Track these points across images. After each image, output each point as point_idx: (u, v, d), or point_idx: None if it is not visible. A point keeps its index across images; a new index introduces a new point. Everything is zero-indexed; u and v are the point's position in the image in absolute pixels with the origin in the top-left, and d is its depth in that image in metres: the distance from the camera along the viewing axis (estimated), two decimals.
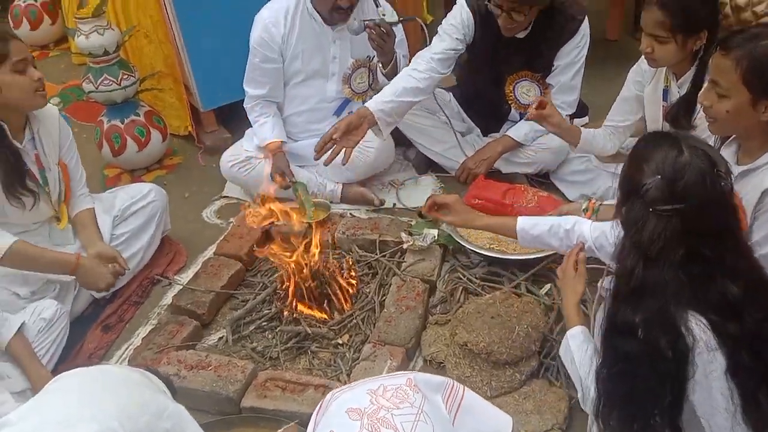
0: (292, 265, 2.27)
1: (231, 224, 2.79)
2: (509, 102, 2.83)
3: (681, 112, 2.16)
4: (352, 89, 2.86)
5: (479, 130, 3.00)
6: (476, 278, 2.32)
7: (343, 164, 2.51)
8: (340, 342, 2.16)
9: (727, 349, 1.26)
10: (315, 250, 2.28)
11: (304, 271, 2.24)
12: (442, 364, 2.06)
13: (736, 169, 1.77)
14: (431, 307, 2.27)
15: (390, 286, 2.30)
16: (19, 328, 1.97)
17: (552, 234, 1.90)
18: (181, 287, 2.40)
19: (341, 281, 2.30)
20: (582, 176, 2.70)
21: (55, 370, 2.05)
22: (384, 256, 2.45)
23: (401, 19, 2.72)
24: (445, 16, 4.15)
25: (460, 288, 2.30)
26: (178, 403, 1.21)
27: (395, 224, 2.58)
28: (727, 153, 1.82)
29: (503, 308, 2.09)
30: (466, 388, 1.12)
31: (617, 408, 1.34)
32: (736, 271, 1.31)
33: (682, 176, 1.28)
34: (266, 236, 2.64)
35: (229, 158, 2.90)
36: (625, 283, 1.32)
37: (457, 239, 2.40)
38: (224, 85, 3.18)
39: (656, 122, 2.38)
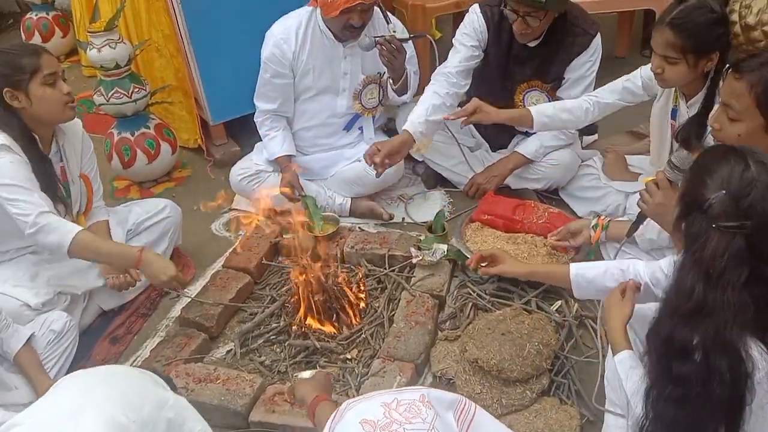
0: (301, 279, 2.27)
1: (240, 237, 2.79)
2: None
3: (692, 133, 2.14)
4: (362, 105, 2.87)
5: (488, 146, 3.01)
6: (486, 294, 2.31)
7: (377, 177, 2.66)
8: (349, 357, 2.15)
9: None
10: (324, 264, 2.28)
11: (313, 284, 2.23)
12: (451, 381, 2.04)
13: None
14: (440, 322, 2.25)
15: (399, 301, 2.29)
16: (28, 339, 1.97)
17: (608, 276, 1.82)
18: (190, 300, 2.39)
19: (350, 295, 2.29)
20: (592, 192, 2.69)
21: None
22: (393, 270, 2.44)
23: (412, 35, 2.74)
24: (454, 33, 4.19)
25: (470, 304, 2.29)
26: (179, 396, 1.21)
27: (404, 239, 2.57)
28: None
29: (514, 325, 2.07)
30: (477, 406, 1.11)
31: (664, 431, 1.29)
32: None
33: (749, 192, 1.22)
34: (275, 249, 2.65)
35: (238, 171, 2.91)
36: (684, 302, 1.25)
37: (467, 255, 2.39)
38: (234, 98, 3.20)
39: (663, 138, 2.38)
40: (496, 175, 2.82)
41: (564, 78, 2.71)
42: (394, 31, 2.68)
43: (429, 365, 2.12)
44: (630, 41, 4.16)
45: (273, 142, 2.85)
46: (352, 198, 2.89)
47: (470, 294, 2.32)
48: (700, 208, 1.25)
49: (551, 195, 2.86)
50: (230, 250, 2.70)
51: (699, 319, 1.23)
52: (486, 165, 2.91)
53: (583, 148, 2.99)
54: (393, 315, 2.24)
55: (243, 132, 3.34)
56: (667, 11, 2.05)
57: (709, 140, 2.04)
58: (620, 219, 2.36)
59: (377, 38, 2.62)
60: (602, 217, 2.22)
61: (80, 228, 2.08)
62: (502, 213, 2.54)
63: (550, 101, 2.70)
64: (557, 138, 2.76)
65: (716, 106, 1.79)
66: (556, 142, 2.76)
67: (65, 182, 2.25)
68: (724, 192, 1.23)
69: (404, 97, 2.91)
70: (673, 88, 2.24)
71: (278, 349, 2.20)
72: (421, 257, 2.39)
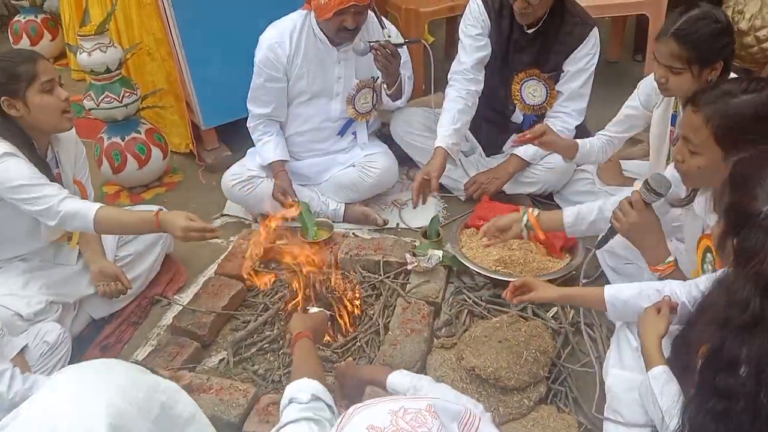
0: (295, 286, 2.25)
1: (232, 243, 2.76)
2: (515, 101, 2.84)
3: None
4: (356, 109, 2.85)
5: (482, 150, 2.99)
6: (482, 300, 2.29)
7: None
8: None
9: None
10: (318, 270, 2.26)
11: (307, 292, 2.21)
12: None
13: (715, 219, 1.76)
14: (436, 329, 2.23)
15: (394, 308, 2.27)
16: (21, 350, 1.93)
17: (643, 297, 1.75)
18: (181, 307, 2.36)
19: (345, 302, 2.26)
20: (586, 197, 2.68)
21: None
22: (388, 277, 2.41)
23: (407, 41, 2.73)
24: (447, 38, 4.19)
25: (466, 311, 2.27)
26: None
27: (399, 245, 2.55)
28: (702, 200, 1.80)
29: (510, 332, 2.06)
30: (482, 418, 1.09)
31: None
32: None
33: None
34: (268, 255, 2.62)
35: (231, 177, 2.87)
36: (738, 315, 1.20)
37: (462, 261, 2.37)
38: (226, 102, 3.18)
39: (662, 145, 2.37)
40: (498, 177, 2.82)
41: (563, 71, 2.72)
42: (389, 37, 2.67)
43: (425, 373, 2.09)
44: (623, 46, 4.16)
45: (266, 147, 2.82)
46: (345, 203, 2.87)
47: (466, 301, 2.31)
48: (755, 221, 1.20)
49: (546, 200, 2.86)
50: (222, 256, 2.67)
51: (755, 332, 1.19)
52: (481, 170, 2.89)
53: None
54: (388, 322, 2.22)
55: (235, 137, 3.31)
56: (670, 21, 2.03)
57: None
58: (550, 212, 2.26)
59: (372, 43, 2.60)
60: (531, 212, 2.13)
61: (98, 206, 2.05)
62: None
63: (547, 91, 2.73)
64: None
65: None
66: None
67: None
68: None
69: (398, 102, 2.89)
70: (672, 104, 2.24)
71: (272, 358, 2.17)
72: (416, 263, 2.37)
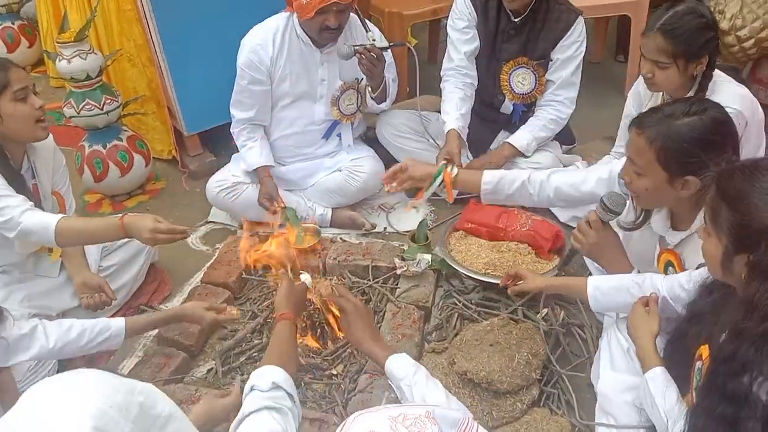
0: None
1: (218, 250, 2.72)
2: (504, 91, 2.85)
3: None
4: (340, 111, 2.83)
5: (469, 153, 2.99)
6: (472, 304, 2.28)
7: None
8: (335, 372, 2.09)
9: None
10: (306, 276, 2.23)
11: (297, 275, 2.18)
12: None
13: (676, 236, 1.77)
14: (426, 333, 2.22)
15: (384, 313, 2.25)
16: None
17: (624, 289, 1.80)
18: None
19: (334, 309, 2.24)
20: None
21: None
22: (377, 282, 2.39)
23: (391, 44, 2.72)
24: (429, 40, 4.19)
25: (456, 314, 2.25)
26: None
27: (387, 249, 2.53)
28: (659, 218, 1.83)
29: (502, 335, 2.05)
30: (480, 426, 1.09)
31: None
32: None
33: None
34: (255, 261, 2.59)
35: (216, 184, 2.84)
36: (757, 325, 1.20)
37: (451, 264, 2.36)
38: (209, 108, 3.15)
39: None
40: (492, 162, 2.81)
41: (552, 59, 2.75)
42: (374, 40, 2.66)
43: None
44: (604, 47, 4.18)
45: (251, 153, 2.80)
46: (332, 208, 2.84)
47: (456, 304, 2.29)
48: None
49: None
50: (208, 264, 2.64)
51: None
52: None
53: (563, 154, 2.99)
54: (379, 328, 2.19)
55: (218, 142, 3.28)
56: (656, 17, 2.08)
57: None
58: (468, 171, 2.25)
59: (357, 47, 2.59)
60: (450, 170, 2.08)
61: (59, 217, 1.99)
62: (485, 221, 2.50)
63: (536, 78, 2.76)
64: (546, 128, 2.81)
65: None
66: (546, 133, 2.82)
67: (37, 200, 2.16)
68: None
69: (383, 105, 2.88)
70: (661, 95, 2.25)
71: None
72: (405, 268, 2.35)
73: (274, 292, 2.34)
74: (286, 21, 2.68)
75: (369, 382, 1.97)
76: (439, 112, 3.03)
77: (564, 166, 2.81)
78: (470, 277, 2.34)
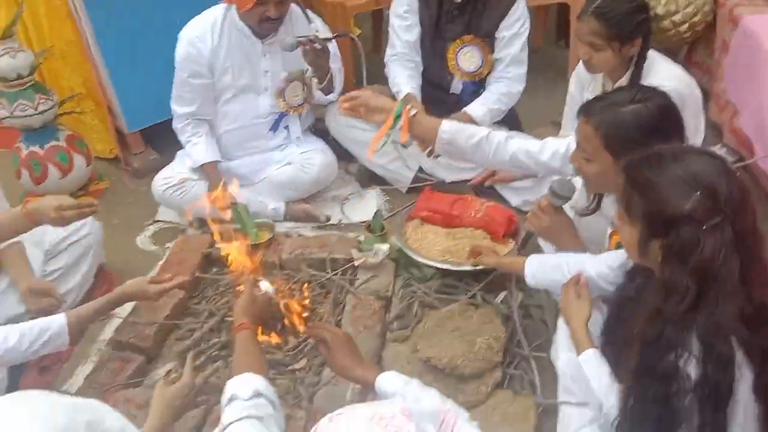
0: (239, 290, 2.18)
1: (168, 250, 2.65)
2: (452, 71, 2.86)
3: None
4: (287, 102, 2.79)
5: None
6: (431, 291, 2.29)
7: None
8: (298, 367, 2.08)
9: (755, 364, 1.22)
10: (262, 273, 2.19)
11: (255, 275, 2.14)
12: None
13: None
14: (388, 323, 2.21)
15: (344, 305, 2.24)
16: None
17: (554, 264, 1.88)
18: (121, 320, 2.25)
19: (293, 303, 2.21)
20: (525, 182, 2.72)
21: None
22: (336, 274, 2.38)
23: (335, 34, 2.70)
24: (373, 30, 4.17)
25: (416, 302, 2.26)
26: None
27: (344, 241, 2.52)
28: (610, 201, 1.85)
29: (462, 320, 2.07)
30: (458, 419, 1.09)
31: (646, 429, 1.29)
32: (765, 274, 1.27)
33: (715, 181, 1.23)
34: (207, 261, 2.53)
35: (161, 182, 2.76)
36: (676, 305, 1.24)
37: (409, 253, 2.37)
38: (149, 104, 3.07)
39: None
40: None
41: (497, 37, 2.78)
42: (317, 31, 2.63)
43: (381, 369, 2.07)
44: (544, 33, 4.25)
45: (196, 149, 2.73)
46: (286, 202, 2.81)
47: (416, 292, 2.30)
48: (682, 219, 1.23)
49: (488, 188, 2.86)
50: (159, 264, 2.56)
51: (695, 315, 1.23)
52: (422, 161, 2.89)
53: None
54: (340, 320, 2.19)
55: (162, 139, 3.19)
56: (590, 1, 2.14)
57: None
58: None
59: (300, 38, 2.55)
60: (408, 109, 1.98)
61: None
62: (440, 208, 2.52)
63: (482, 56, 2.80)
64: (500, 101, 2.83)
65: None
66: (499, 106, 2.82)
67: None
68: (698, 193, 1.22)
69: (330, 97, 2.85)
70: (601, 82, 2.32)
71: (223, 365, 2.10)
72: (363, 259, 2.35)
73: (230, 290, 2.31)
74: (225, 12, 2.62)
75: (333, 375, 1.96)
76: None
77: None
78: (428, 264, 2.35)
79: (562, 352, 1.84)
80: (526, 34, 2.81)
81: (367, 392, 1.95)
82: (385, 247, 2.38)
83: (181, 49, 2.63)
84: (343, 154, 2.95)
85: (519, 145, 2.02)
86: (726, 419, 1.23)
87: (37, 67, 2.94)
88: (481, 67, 2.83)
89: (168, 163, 2.86)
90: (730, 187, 1.23)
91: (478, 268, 2.29)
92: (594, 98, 1.79)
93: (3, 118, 2.86)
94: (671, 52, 3.33)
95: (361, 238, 2.52)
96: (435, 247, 2.39)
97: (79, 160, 2.99)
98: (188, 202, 2.72)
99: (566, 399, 1.78)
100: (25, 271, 2.17)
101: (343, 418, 0.99)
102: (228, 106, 2.76)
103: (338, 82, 2.84)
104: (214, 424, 1.83)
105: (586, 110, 1.71)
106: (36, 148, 2.91)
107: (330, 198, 2.92)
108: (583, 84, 2.44)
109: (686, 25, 3.22)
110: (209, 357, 2.13)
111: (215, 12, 2.64)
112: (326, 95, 2.83)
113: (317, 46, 2.54)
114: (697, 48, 3.46)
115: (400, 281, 2.38)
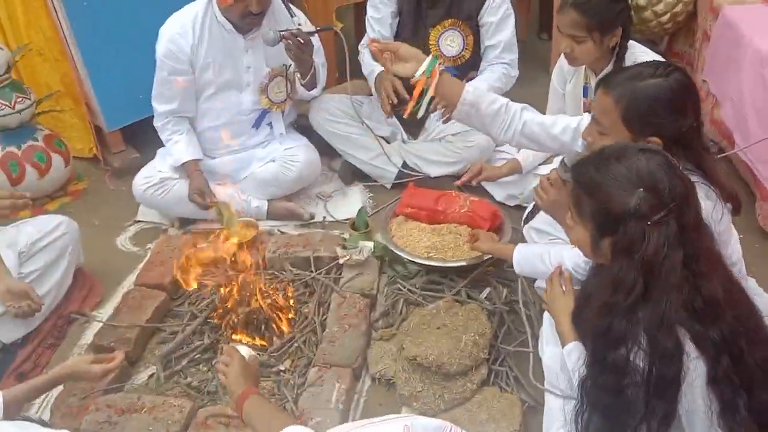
0: (223, 292, 2.16)
1: (149, 251, 2.61)
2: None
3: None
4: (269, 99, 2.75)
5: (404, 134, 2.97)
6: (417, 288, 2.27)
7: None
8: (283, 368, 2.06)
9: (707, 357, 1.25)
10: (245, 272, 2.17)
11: (236, 296, 2.12)
12: (391, 381, 2.00)
13: None
14: (373, 321, 2.20)
15: (329, 304, 2.22)
16: None
17: (537, 255, 1.94)
18: (102, 324, 2.22)
19: (277, 303, 2.19)
20: (510, 177, 2.71)
21: None
22: (320, 273, 2.36)
23: (318, 28, 2.66)
24: (355, 24, 4.13)
25: (401, 300, 2.25)
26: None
27: (328, 239, 2.49)
28: None
29: (448, 318, 2.06)
30: None
31: (599, 416, 1.32)
32: (715, 268, 1.30)
33: (657, 177, 1.26)
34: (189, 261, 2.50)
35: (142, 181, 2.72)
36: (624, 298, 1.28)
37: (394, 250, 2.35)
38: (129, 102, 3.01)
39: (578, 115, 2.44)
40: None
41: (482, 24, 2.77)
42: (300, 25, 2.59)
43: (367, 368, 2.06)
44: (527, 25, 4.24)
45: (177, 147, 2.69)
46: (269, 200, 2.77)
47: (401, 290, 2.28)
48: (626, 216, 1.27)
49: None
50: (140, 265, 2.53)
51: (641, 309, 1.27)
52: (404, 155, 2.87)
53: None
54: (325, 319, 2.17)
55: (142, 138, 3.13)
56: None
57: None
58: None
59: (283, 32, 2.51)
60: (438, 65, 1.89)
61: None
62: (425, 204, 2.50)
63: (463, 39, 2.78)
64: (500, 80, 2.81)
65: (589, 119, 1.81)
66: (499, 84, 2.79)
67: None
68: (642, 189, 1.26)
69: (314, 92, 2.82)
70: (583, 74, 2.30)
71: (205, 368, 2.08)
72: (348, 257, 2.32)
73: (213, 292, 2.28)
74: (206, 7, 2.57)
75: (319, 376, 1.95)
76: (371, 95, 3.01)
77: (496, 146, 2.83)
78: (413, 261, 2.33)
79: (548, 346, 1.83)
80: (513, 17, 2.79)
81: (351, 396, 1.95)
82: (369, 244, 2.36)
83: (162, 47, 2.58)
84: (325, 150, 2.91)
85: (533, 116, 2.01)
86: (675, 410, 1.26)
87: (14, 65, 2.87)
88: (462, 50, 2.81)
89: (149, 163, 2.81)
90: (673, 182, 1.26)
91: (462, 264, 2.28)
92: (613, 71, 1.79)
93: None
94: (652, 43, 3.34)
95: (346, 235, 2.50)
96: (420, 243, 2.37)
97: (57, 160, 2.94)
98: (169, 202, 2.69)
99: (552, 393, 1.78)
100: (2, 272, 2.13)
101: None
102: (209, 102, 2.72)
103: (322, 77, 2.80)
104: (197, 427, 1.82)
105: (606, 82, 1.69)
106: (13, 148, 2.84)
107: (313, 195, 2.89)
108: (565, 77, 2.43)
109: (668, 16, 3.21)
110: (191, 360, 2.10)
111: (196, 7, 2.59)
112: (309, 90, 2.79)
113: (300, 40, 2.51)
114: (677, 38, 3.46)
115: (385, 279, 2.36)
